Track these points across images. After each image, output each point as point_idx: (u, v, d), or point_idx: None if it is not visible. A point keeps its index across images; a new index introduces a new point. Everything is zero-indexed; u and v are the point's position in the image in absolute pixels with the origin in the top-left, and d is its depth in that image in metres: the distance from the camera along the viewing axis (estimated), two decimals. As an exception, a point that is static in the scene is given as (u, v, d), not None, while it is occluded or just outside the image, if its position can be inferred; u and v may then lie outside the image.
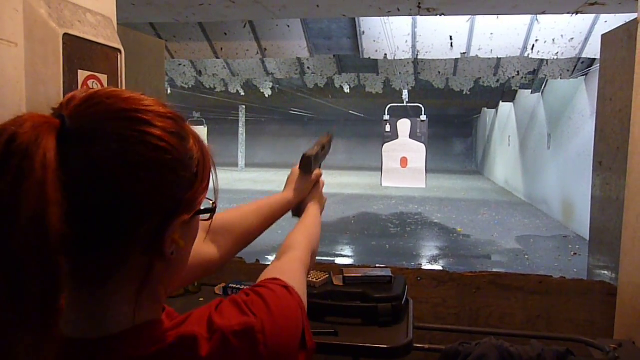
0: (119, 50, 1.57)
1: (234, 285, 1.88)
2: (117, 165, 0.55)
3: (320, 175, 1.25)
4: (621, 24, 2.29)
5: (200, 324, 0.61)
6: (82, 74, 1.42)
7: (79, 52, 1.39)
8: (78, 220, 0.53)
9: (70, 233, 0.50)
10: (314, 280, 1.68)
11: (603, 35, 2.33)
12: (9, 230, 0.47)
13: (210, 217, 0.69)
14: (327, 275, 1.73)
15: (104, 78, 1.52)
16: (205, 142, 0.68)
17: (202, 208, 0.66)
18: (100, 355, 0.58)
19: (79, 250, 0.56)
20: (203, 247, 0.95)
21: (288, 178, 1.22)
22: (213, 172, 0.67)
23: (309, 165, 1.18)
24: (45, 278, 0.49)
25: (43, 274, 0.49)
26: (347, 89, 10.78)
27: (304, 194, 1.20)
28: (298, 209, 1.18)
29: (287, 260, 0.91)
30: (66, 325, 0.59)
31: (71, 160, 0.53)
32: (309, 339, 0.71)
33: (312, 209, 1.17)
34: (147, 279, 0.61)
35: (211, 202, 0.68)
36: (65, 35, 1.32)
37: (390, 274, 1.71)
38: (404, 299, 1.64)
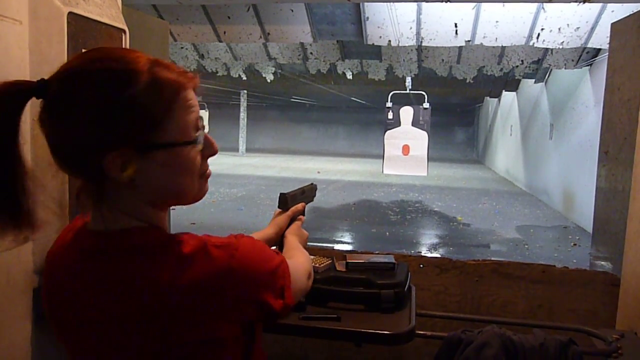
0: (124, 31, 1.55)
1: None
2: (63, 110, 0.75)
3: (299, 212, 1.37)
4: (629, 13, 2.26)
5: (189, 236, 0.80)
6: (86, 54, 1.40)
7: (83, 31, 1.37)
8: (55, 151, 0.79)
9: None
10: (317, 265, 1.67)
11: (613, 24, 2.30)
12: None
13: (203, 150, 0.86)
14: (330, 261, 1.72)
15: (108, 58, 1.50)
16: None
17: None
18: (104, 243, 0.80)
19: (68, 171, 0.82)
20: None
21: (272, 216, 1.36)
22: (193, 115, 0.82)
23: (284, 202, 1.34)
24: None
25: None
26: (349, 76, 10.70)
27: (281, 229, 1.32)
28: (280, 246, 1.27)
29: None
30: (89, 223, 0.84)
31: (45, 112, 0.77)
32: (289, 296, 0.86)
33: (289, 239, 1.27)
34: (106, 198, 0.80)
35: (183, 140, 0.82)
36: (70, 14, 1.30)
37: (394, 261, 1.70)
38: (407, 286, 1.63)
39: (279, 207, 1.35)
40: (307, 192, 1.43)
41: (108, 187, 0.79)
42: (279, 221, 1.32)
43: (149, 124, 0.77)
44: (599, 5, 6.34)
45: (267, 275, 0.83)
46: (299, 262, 1.02)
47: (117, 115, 0.75)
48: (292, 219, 1.35)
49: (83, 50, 1.39)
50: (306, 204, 1.43)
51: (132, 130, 0.76)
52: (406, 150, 7.57)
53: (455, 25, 6.98)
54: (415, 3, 6.57)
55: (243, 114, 22.95)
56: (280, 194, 1.35)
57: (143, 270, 0.76)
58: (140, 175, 0.78)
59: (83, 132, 0.75)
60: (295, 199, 1.37)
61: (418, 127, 7.59)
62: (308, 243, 1.34)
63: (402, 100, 8.57)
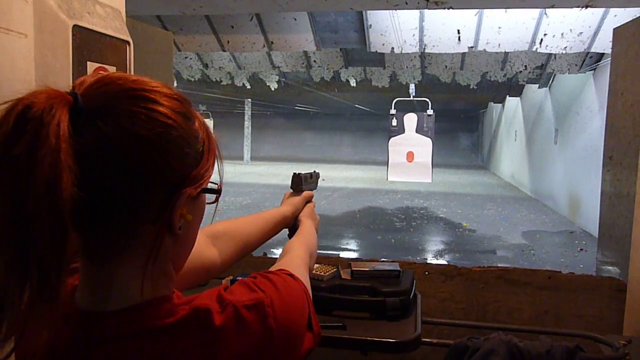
0: (128, 42, 1.56)
1: (242, 279, 1.88)
2: (126, 139, 0.58)
3: (311, 196, 1.38)
4: (631, 18, 2.26)
5: (210, 299, 0.65)
6: (91, 66, 1.41)
7: (88, 43, 1.38)
8: (89, 189, 0.56)
9: (82, 198, 0.54)
10: (322, 273, 1.68)
11: (615, 29, 2.30)
12: (25, 192, 0.50)
13: (217, 199, 0.71)
14: (335, 269, 1.72)
15: (112, 70, 1.51)
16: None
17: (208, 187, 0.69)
18: (115, 326, 0.61)
19: (90, 221, 0.59)
20: (206, 250, 1.01)
21: (282, 198, 1.34)
22: (218, 157, 0.70)
23: (298, 183, 1.34)
24: (54, 241, 0.52)
25: (53, 236, 0.51)
26: (353, 83, 10.75)
27: (297, 209, 1.30)
28: (293, 229, 1.27)
29: (288, 258, 0.95)
30: (81, 298, 0.64)
31: (83, 134, 0.56)
32: (315, 323, 0.76)
33: (305, 223, 1.26)
34: (157, 253, 0.63)
35: (216, 185, 0.70)
36: (75, 26, 1.32)
37: (399, 268, 1.70)
38: (412, 293, 1.63)
39: (291, 187, 1.35)
40: (314, 178, 1.45)
41: (151, 242, 0.63)
42: (295, 202, 1.31)
43: (206, 166, 0.67)
44: (601, 10, 6.34)
45: (304, 323, 0.73)
46: (303, 259, 0.98)
47: (190, 150, 0.64)
48: (306, 202, 1.36)
49: (88, 63, 1.40)
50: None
51: (197, 168, 0.65)
52: (410, 157, 7.56)
53: (458, 32, 7.00)
54: (418, 10, 6.59)
55: (247, 123, 23.02)
56: (294, 174, 1.35)
57: (170, 353, 0.60)
58: (185, 224, 0.66)
59: (168, 163, 0.61)
60: (307, 181, 1.38)
61: (422, 134, 7.58)
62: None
63: (405, 107, 8.56)
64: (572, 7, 4.38)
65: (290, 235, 1.24)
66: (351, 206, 11.69)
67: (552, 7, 4.33)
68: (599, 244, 2.46)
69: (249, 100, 21.54)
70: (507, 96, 16.29)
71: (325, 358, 2.09)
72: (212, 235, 1.05)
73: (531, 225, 9.85)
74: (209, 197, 0.71)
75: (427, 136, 7.63)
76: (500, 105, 19.56)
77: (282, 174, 18.56)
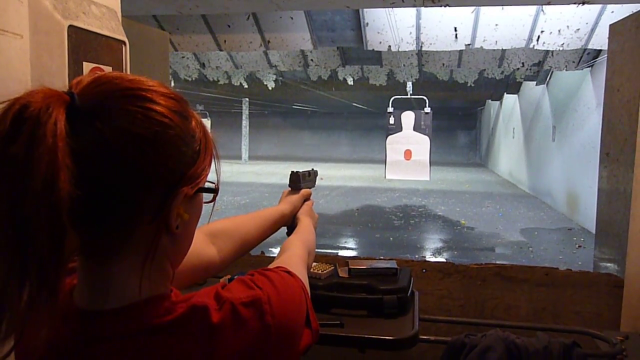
0: (124, 42, 1.56)
1: (239, 277, 1.89)
2: (123, 138, 0.58)
3: (309, 194, 1.38)
4: (628, 14, 2.27)
5: (208, 297, 0.65)
6: (87, 66, 1.41)
7: (83, 44, 1.38)
8: (87, 187, 0.56)
9: (79, 196, 0.54)
10: (320, 272, 1.68)
11: (611, 25, 2.31)
12: (22, 191, 0.51)
13: (214, 199, 0.71)
14: (332, 267, 1.73)
15: (108, 70, 1.51)
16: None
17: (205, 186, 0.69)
18: (113, 325, 0.61)
19: (88, 220, 0.59)
20: (204, 249, 1.02)
21: (281, 196, 1.34)
22: (215, 156, 0.70)
23: (297, 181, 1.34)
24: (52, 239, 0.52)
25: (51, 235, 0.52)
26: (350, 81, 10.75)
27: (295, 208, 1.30)
28: (291, 227, 1.27)
29: (286, 256, 0.96)
30: (79, 298, 0.64)
31: (80, 133, 0.56)
32: (313, 319, 0.76)
33: (304, 221, 1.26)
34: (154, 252, 0.63)
35: (213, 184, 0.70)
36: (70, 27, 1.31)
37: (396, 266, 1.71)
38: (410, 291, 1.63)
39: (289, 185, 1.35)
40: (312, 176, 1.45)
41: (149, 240, 0.63)
42: (294, 200, 1.31)
43: (203, 165, 0.67)
44: (598, 6, 6.35)
45: (302, 320, 0.73)
46: (301, 257, 0.98)
47: (187, 149, 0.64)
48: (304, 201, 1.36)
49: (84, 63, 1.40)
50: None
51: (194, 167, 0.65)
52: (408, 155, 7.56)
53: (455, 30, 7.00)
54: (414, 8, 6.60)
55: (245, 122, 23.01)
56: (292, 172, 1.35)
57: (169, 351, 0.60)
58: (182, 223, 0.66)
59: (164, 161, 0.61)
60: (305, 179, 1.38)
61: (420, 132, 7.58)
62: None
63: (403, 105, 8.55)
64: (568, 4, 4.39)
65: (289, 233, 1.24)
66: (349, 205, 11.70)
67: (549, 3, 4.34)
68: (597, 240, 2.46)
69: (247, 99, 21.54)
70: (505, 93, 16.31)
71: (323, 356, 2.09)
72: (211, 234, 1.05)
73: (529, 223, 9.87)
74: (206, 196, 0.71)
75: (425, 134, 7.63)
76: (497, 102, 19.58)
77: (279, 172, 18.55)
